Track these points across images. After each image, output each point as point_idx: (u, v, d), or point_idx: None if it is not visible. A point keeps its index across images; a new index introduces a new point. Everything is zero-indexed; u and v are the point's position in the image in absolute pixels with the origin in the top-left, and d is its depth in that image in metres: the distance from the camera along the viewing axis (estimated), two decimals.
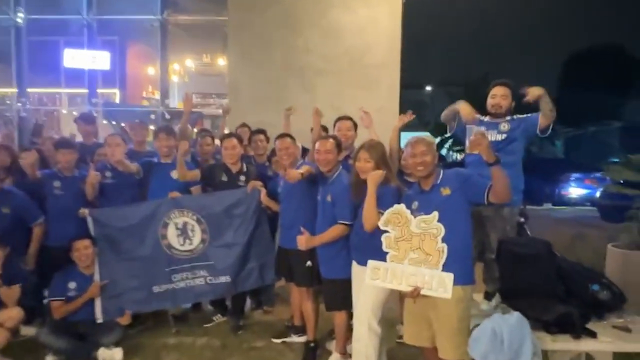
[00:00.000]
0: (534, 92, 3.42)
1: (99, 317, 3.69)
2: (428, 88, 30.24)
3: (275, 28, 6.36)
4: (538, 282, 2.85)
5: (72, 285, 3.71)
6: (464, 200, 2.66)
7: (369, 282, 2.78)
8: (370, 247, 2.95)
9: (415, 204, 2.79)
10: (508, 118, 3.63)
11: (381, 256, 2.78)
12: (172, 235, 3.92)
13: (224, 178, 4.03)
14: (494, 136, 3.58)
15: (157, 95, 14.53)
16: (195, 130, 6.70)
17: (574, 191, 12.47)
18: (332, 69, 6.33)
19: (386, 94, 6.15)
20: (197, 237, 3.93)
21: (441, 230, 2.60)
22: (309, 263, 3.57)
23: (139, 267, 3.85)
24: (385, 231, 2.76)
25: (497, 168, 2.50)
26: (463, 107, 3.64)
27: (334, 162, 3.31)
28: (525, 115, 3.60)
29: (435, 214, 2.63)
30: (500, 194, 2.53)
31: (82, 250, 3.73)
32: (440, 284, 2.57)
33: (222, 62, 10.06)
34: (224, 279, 3.88)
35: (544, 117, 3.48)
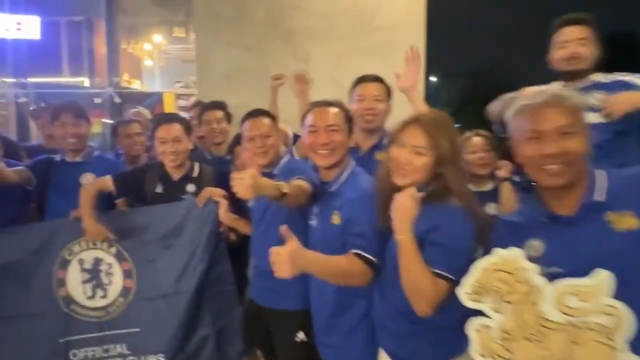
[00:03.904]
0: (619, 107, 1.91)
1: None
2: (432, 79, 28.71)
3: None
4: None
5: None
6: None
7: None
8: (419, 331, 1.42)
9: (536, 247, 1.23)
10: (598, 78, 2.07)
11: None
12: (74, 282, 2.35)
13: (159, 189, 2.44)
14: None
15: (137, 84, 12.84)
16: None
17: None
18: (333, 31, 4.74)
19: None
20: (115, 285, 2.36)
21: (624, 316, 1.04)
22: (301, 335, 2.02)
23: (13, 336, 2.28)
24: (477, 311, 1.20)
25: None
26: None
27: (341, 151, 1.75)
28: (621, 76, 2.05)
29: (602, 275, 1.07)
30: None
31: None
32: None
33: None
34: (155, 359, 2.29)
35: None
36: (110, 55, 8.42)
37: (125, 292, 2.34)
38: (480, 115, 2.57)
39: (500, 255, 1.17)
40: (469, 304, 1.18)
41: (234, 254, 2.46)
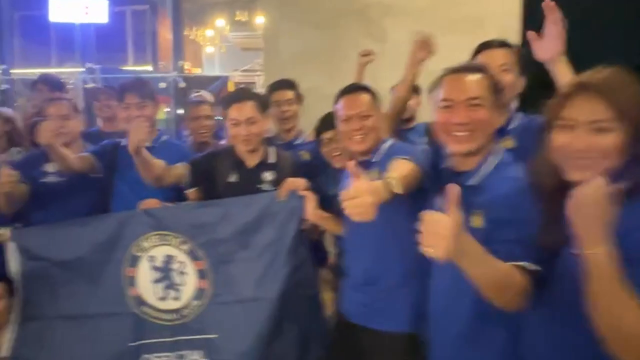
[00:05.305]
0: None
1: None
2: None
3: None
4: None
5: None
6: None
7: None
8: None
9: None
10: None
11: None
12: (145, 281, 2.13)
13: (233, 178, 2.17)
14: None
15: (198, 72, 12.93)
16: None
17: None
18: (412, 4, 4.30)
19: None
20: (189, 286, 2.11)
21: None
22: None
23: (81, 337, 2.10)
24: None
25: None
26: None
27: (486, 132, 1.36)
28: None
29: None
30: None
31: None
32: None
33: (261, 20, 7.96)
34: None
35: None
36: (175, 40, 8.41)
37: (199, 294, 2.09)
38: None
39: None
40: None
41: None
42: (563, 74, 1.59)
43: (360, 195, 1.19)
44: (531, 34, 1.68)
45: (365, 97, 1.77)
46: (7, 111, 3.49)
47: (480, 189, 1.32)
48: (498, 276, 1.10)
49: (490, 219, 1.24)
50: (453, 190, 1.02)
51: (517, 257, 1.15)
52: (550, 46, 1.62)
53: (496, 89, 1.38)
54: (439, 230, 0.98)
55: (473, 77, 1.36)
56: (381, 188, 1.30)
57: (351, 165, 1.27)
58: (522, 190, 1.21)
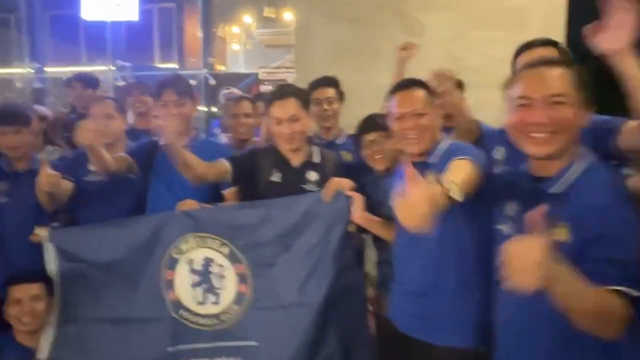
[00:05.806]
0: None
1: None
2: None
3: None
4: None
5: None
6: None
7: None
8: None
9: None
10: None
11: None
12: (183, 284, 2.07)
13: (275, 177, 2.08)
14: None
15: (222, 69, 12.95)
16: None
17: None
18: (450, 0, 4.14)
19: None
20: (228, 290, 2.04)
21: None
22: None
23: (119, 341, 2.05)
24: None
25: None
26: None
27: (569, 133, 1.21)
28: None
29: None
30: None
31: (27, 302, 2.04)
32: None
33: (289, 16, 7.73)
34: None
35: None
36: (205, 37, 8.42)
37: (239, 298, 2.02)
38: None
39: None
40: None
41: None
42: (634, 70, 1.35)
43: (417, 203, 1.07)
44: (589, 28, 1.49)
45: (420, 94, 1.64)
46: (42, 109, 3.49)
47: (565, 198, 1.18)
48: (594, 303, 0.98)
49: (578, 234, 1.11)
50: (539, 211, 0.90)
51: (612, 279, 1.01)
52: (616, 36, 1.37)
53: (582, 84, 1.23)
54: (530, 258, 0.86)
55: (555, 72, 1.21)
56: (439, 195, 1.19)
57: (408, 167, 1.14)
58: (617, 201, 1.08)
